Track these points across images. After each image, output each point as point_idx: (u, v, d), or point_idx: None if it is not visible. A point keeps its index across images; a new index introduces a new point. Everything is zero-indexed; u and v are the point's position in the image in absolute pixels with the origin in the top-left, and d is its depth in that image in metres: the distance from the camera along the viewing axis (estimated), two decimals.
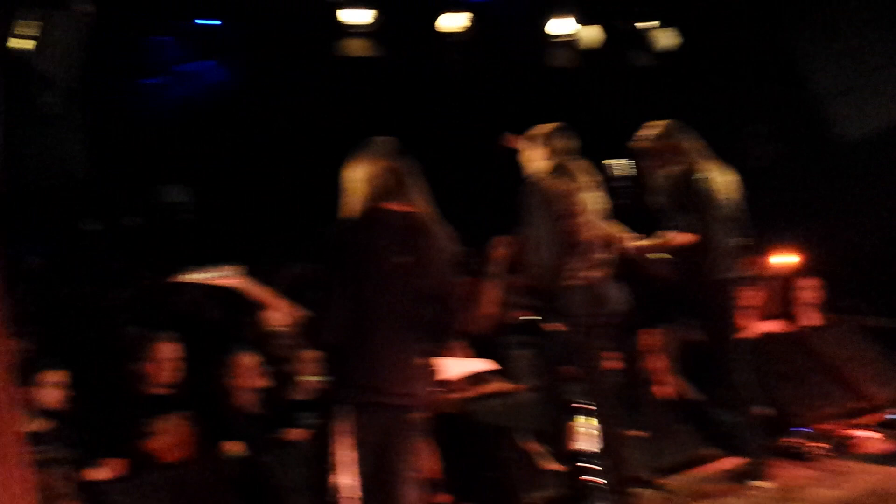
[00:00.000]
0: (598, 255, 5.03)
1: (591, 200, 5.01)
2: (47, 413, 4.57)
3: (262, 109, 9.07)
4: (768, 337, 6.45)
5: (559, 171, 5.01)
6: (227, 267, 3.85)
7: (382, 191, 3.66)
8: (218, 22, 7.37)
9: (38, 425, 4.54)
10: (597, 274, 5.01)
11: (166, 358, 4.88)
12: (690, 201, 5.23)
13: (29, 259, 6.68)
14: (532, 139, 5.13)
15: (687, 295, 5.39)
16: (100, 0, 5.98)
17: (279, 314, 3.81)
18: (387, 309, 3.60)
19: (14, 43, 3.64)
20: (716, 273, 5.29)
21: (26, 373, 4.63)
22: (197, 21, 7.99)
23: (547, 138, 5.10)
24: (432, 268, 3.66)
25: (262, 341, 5.72)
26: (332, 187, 3.65)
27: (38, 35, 3.66)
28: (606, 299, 5.06)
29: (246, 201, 10.08)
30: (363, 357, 3.58)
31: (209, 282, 3.85)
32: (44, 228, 7.46)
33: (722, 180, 5.32)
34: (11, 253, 6.83)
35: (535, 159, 5.10)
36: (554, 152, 5.02)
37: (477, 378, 5.89)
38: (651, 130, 5.38)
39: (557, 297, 4.91)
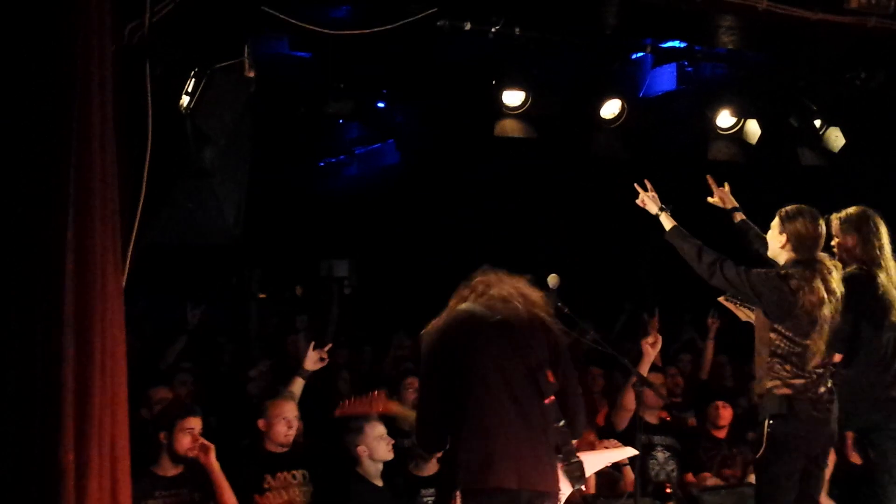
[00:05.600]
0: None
1: (833, 308, 4.44)
2: (179, 458, 4.72)
3: (427, 189, 9.33)
4: None
5: (804, 266, 4.46)
6: None
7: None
8: (381, 104, 7.69)
9: (171, 469, 4.71)
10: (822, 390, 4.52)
11: (287, 416, 4.97)
12: (862, 308, 4.76)
13: (190, 313, 7.03)
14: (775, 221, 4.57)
15: (857, 413, 4.95)
16: (284, 83, 6.43)
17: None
18: (498, 396, 3.47)
19: (182, 101, 3.91)
20: (891, 391, 4.85)
21: (168, 418, 4.82)
22: (378, 104, 8.36)
23: (787, 221, 4.53)
24: (540, 359, 3.54)
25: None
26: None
27: (199, 92, 3.92)
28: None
29: (405, 278, 10.29)
30: (477, 440, 3.47)
31: None
32: (206, 284, 7.86)
33: None
34: (172, 306, 7.26)
35: (775, 245, 4.58)
36: (797, 241, 4.48)
37: (611, 481, 5.62)
38: (842, 215, 4.86)
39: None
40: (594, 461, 4.02)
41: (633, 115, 6.33)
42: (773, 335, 4.50)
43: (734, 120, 6.44)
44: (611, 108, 6.38)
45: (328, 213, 10.00)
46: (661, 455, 5.93)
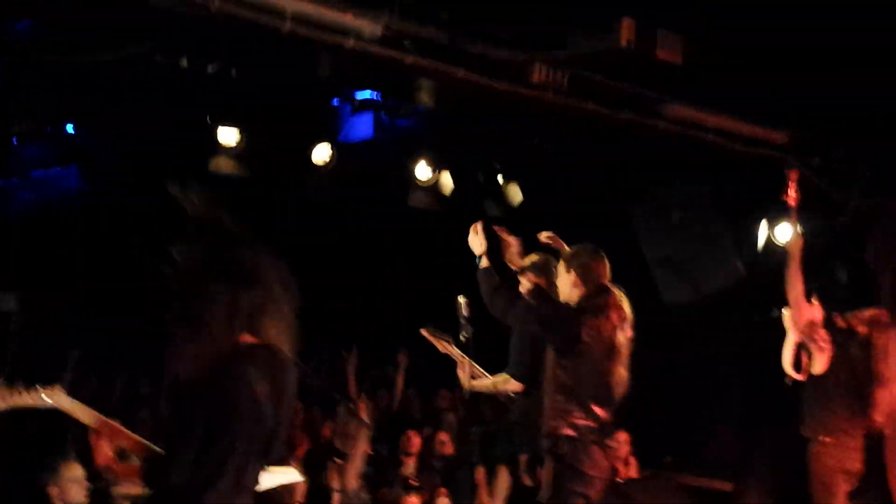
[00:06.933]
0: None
1: (626, 334, 4.60)
2: None
3: (112, 219, 8.96)
4: None
5: (596, 296, 4.59)
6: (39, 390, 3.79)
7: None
8: (71, 129, 7.39)
9: None
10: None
11: None
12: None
13: None
14: (561, 260, 4.69)
15: (529, 442, 5.41)
16: None
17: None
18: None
19: None
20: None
21: None
22: (66, 128, 7.95)
23: (571, 259, 4.66)
24: None
25: (88, 455, 5.50)
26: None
27: None
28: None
29: (80, 314, 9.73)
30: None
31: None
32: None
33: None
34: None
35: (566, 286, 4.66)
36: (584, 273, 4.62)
37: None
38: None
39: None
40: (265, 480, 4.13)
41: (341, 160, 6.65)
42: (559, 371, 4.55)
43: (430, 171, 6.98)
44: (321, 153, 6.64)
45: None
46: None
